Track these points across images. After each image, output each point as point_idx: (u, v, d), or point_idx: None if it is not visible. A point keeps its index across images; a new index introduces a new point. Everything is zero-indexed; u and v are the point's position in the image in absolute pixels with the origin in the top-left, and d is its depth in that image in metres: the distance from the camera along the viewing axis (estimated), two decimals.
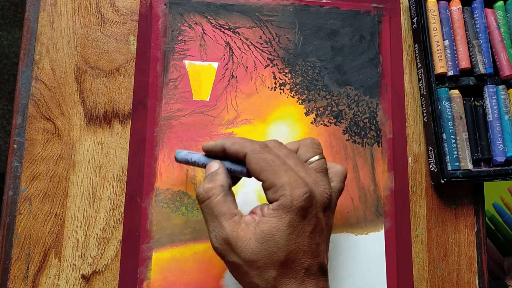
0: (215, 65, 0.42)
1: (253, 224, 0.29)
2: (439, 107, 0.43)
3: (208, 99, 0.41)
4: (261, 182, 0.30)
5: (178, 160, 0.36)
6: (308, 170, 0.31)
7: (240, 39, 0.43)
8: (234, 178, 0.34)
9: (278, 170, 0.29)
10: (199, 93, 0.41)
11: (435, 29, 0.43)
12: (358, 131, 0.43)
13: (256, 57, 0.43)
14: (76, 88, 0.40)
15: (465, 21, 0.44)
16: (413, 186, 0.43)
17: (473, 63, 0.44)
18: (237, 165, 0.33)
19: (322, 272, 0.30)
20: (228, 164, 0.33)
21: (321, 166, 0.32)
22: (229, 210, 0.30)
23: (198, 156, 0.35)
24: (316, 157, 0.33)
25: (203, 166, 0.34)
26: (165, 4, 0.42)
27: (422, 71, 0.44)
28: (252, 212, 0.30)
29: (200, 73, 0.42)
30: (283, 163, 0.30)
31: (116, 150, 0.39)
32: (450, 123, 0.42)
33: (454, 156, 0.42)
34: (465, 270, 0.43)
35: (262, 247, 0.28)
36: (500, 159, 0.43)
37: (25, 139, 0.38)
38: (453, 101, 0.43)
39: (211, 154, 0.34)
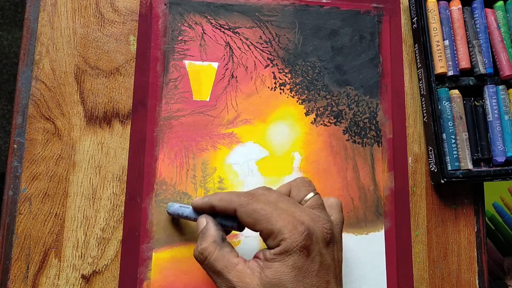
0: (215, 65, 0.42)
1: (258, 270, 0.29)
2: (439, 107, 0.43)
3: (208, 99, 0.41)
4: (258, 233, 0.30)
5: (169, 213, 0.37)
6: (302, 209, 0.31)
7: (240, 39, 0.43)
8: (226, 230, 0.34)
9: (271, 217, 0.29)
10: (199, 93, 0.41)
11: (435, 29, 0.43)
12: (358, 131, 0.43)
13: (256, 57, 0.43)
14: (76, 88, 0.40)
15: (465, 21, 0.44)
16: (413, 186, 0.43)
17: (473, 63, 0.44)
18: (228, 220, 0.33)
19: None
20: (219, 220, 0.33)
21: (317, 202, 0.32)
22: (229, 262, 0.30)
23: (189, 211, 0.35)
24: (311, 195, 0.33)
25: (195, 220, 0.35)
26: (165, 4, 0.42)
27: (422, 71, 0.44)
28: (256, 257, 0.30)
29: (200, 73, 0.42)
30: (275, 208, 0.30)
31: (116, 150, 0.39)
32: (450, 123, 0.42)
33: (454, 156, 0.42)
34: (465, 270, 0.43)
35: None
36: (500, 159, 0.43)
37: (25, 139, 0.38)
38: (453, 101, 0.43)
39: (201, 211, 0.34)
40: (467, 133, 0.43)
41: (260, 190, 0.32)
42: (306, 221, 0.29)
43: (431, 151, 0.43)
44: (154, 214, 0.38)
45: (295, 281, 0.28)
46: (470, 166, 0.42)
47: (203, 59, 0.42)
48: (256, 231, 0.30)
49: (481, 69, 0.43)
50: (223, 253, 0.30)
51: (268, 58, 0.43)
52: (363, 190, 0.42)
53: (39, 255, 0.37)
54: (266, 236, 0.29)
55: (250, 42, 0.43)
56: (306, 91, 0.43)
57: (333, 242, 0.31)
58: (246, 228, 0.32)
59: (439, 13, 0.44)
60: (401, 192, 0.43)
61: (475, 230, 0.44)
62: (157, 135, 0.40)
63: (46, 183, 0.38)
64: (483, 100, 0.44)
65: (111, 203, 0.39)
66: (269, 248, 0.29)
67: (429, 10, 0.44)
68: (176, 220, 0.39)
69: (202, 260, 0.31)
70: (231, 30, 0.43)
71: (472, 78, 0.44)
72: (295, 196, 0.33)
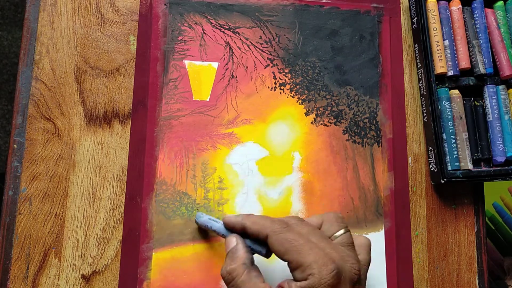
0: (215, 65, 0.42)
1: None
2: (439, 107, 0.43)
3: (208, 99, 0.41)
4: (286, 262, 0.30)
5: (197, 223, 0.37)
6: (333, 245, 0.31)
7: (240, 39, 0.43)
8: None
9: (302, 249, 0.29)
10: (199, 93, 0.41)
11: (435, 29, 0.43)
12: (358, 131, 0.43)
13: (256, 57, 0.43)
14: (76, 88, 0.40)
15: (465, 21, 0.44)
16: (413, 186, 0.43)
17: (473, 63, 0.44)
18: (257, 244, 0.33)
19: None
20: (248, 243, 0.33)
21: (347, 240, 0.32)
22: (255, 286, 0.30)
23: (219, 226, 0.35)
24: (341, 231, 0.33)
25: (223, 236, 0.35)
26: (165, 4, 0.42)
27: (422, 71, 0.44)
28: (280, 286, 0.30)
29: (200, 73, 0.42)
30: (306, 241, 0.30)
31: (116, 150, 0.39)
32: (450, 123, 0.42)
33: (454, 156, 0.42)
34: (465, 270, 0.43)
35: None
36: (500, 159, 0.43)
37: (25, 139, 0.38)
38: (453, 101, 0.43)
39: (231, 229, 0.34)
40: (467, 133, 0.43)
41: (293, 220, 0.32)
42: (336, 259, 0.29)
43: (431, 151, 0.43)
44: (154, 214, 0.38)
45: None
46: (470, 166, 0.42)
47: (203, 59, 0.42)
48: (285, 260, 0.30)
49: (481, 69, 0.43)
50: (251, 276, 0.30)
51: (268, 58, 0.43)
52: (363, 190, 0.42)
53: (39, 255, 0.37)
54: (295, 267, 0.29)
55: (250, 42, 0.43)
56: (306, 91, 0.43)
57: (359, 283, 0.31)
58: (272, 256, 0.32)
59: (439, 13, 0.44)
60: (401, 192, 0.43)
61: (475, 230, 0.44)
62: (157, 135, 0.40)
63: (46, 183, 0.38)
64: (483, 100, 0.44)
65: (111, 203, 0.39)
66: (295, 280, 0.29)
67: (429, 10, 0.44)
68: (176, 220, 0.39)
69: (229, 280, 0.31)
70: (231, 30, 0.43)
71: (472, 78, 0.44)
72: (326, 230, 0.33)
